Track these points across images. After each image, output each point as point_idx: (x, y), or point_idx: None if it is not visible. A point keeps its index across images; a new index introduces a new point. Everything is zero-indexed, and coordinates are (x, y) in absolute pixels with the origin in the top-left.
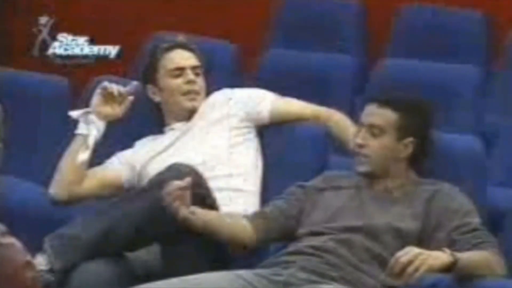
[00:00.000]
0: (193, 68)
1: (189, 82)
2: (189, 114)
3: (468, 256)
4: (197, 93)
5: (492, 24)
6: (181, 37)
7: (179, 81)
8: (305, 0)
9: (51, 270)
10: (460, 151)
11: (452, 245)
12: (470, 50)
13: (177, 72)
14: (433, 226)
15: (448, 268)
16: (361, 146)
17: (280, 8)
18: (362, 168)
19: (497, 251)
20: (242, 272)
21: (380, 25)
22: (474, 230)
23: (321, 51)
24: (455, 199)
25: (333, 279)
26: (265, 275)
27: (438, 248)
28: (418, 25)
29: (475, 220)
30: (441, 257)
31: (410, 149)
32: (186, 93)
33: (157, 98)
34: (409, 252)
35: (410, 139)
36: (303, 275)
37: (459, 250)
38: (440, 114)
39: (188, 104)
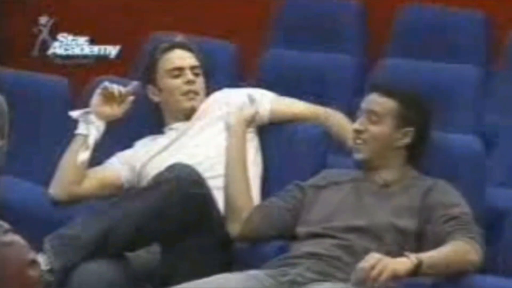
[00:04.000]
0: (192, 68)
1: (188, 82)
2: (188, 114)
3: (432, 255)
4: (196, 93)
5: (492, 24)
6: (180, 37)
7: (178, 81)
8: (305, 0)
9: (51, 270)
10: (460, 151)
11: (434, 237)
12: (470, 50)
13: (176, 72)
14: (425, 220)
15: (415, 271)
16: (359, 131)
17: (280, 8)
18: (359, 155)
19: (472, 236)
20: (254, 272)
21: (380, 25)
22: (453, 218)
23: (321, 51)
24: (447, 194)
25: (339, 280)
26: (273, 275)
27: (430, 242)
28: (418, 25)
29: (458, 210)
30: (403, 262)
31: (408, 139)
32: (186, 93)
33: (156, 98)
34: (370, 259)
35: (409, 128)
36: (310, 274)
37: (437, 242)
38: (440, 114)
39: (188, 104)
